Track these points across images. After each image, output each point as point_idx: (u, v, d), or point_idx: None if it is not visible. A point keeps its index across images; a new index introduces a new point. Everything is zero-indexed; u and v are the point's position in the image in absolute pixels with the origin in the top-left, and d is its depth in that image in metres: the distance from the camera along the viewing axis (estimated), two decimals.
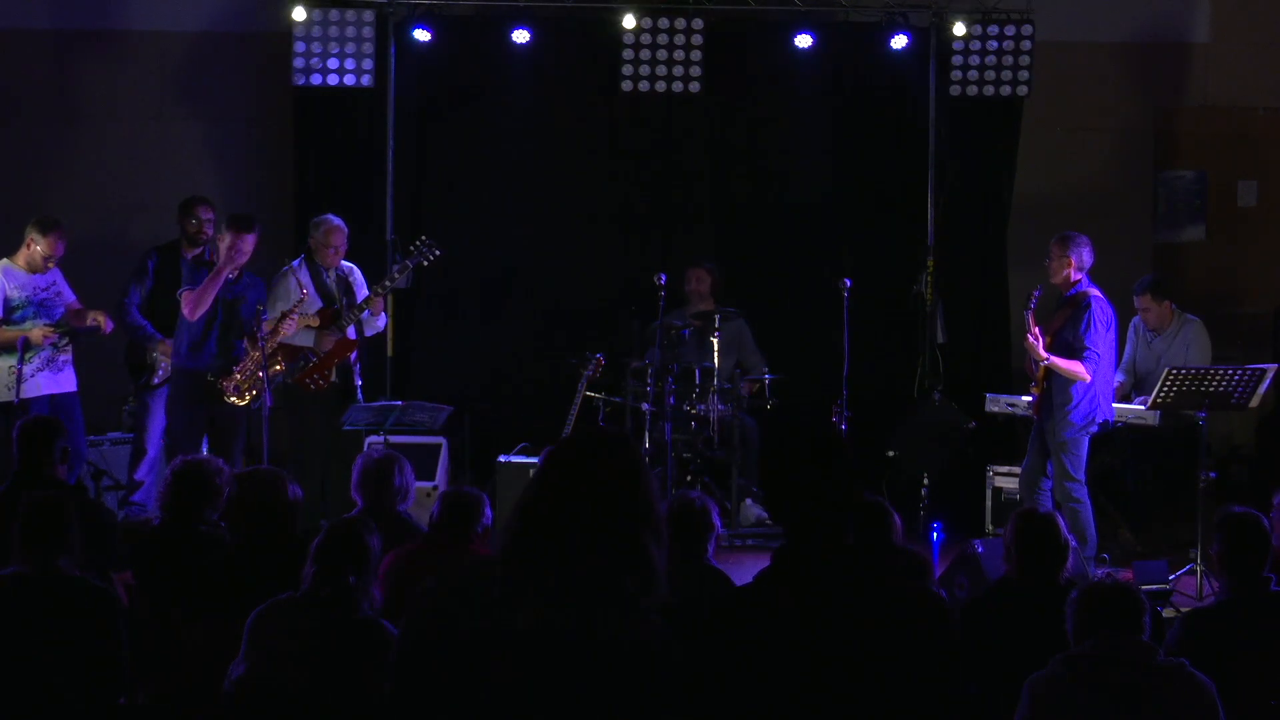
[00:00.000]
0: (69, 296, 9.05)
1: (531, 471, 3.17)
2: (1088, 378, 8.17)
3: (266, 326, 8.66)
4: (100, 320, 8.87)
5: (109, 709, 4.99)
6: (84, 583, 5.04)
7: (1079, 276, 8.29)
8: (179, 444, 8.44)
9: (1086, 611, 4.36)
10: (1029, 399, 8.65)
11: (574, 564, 2.90)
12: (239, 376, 8.60)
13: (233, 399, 8.58)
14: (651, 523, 2.98)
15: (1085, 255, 8.30)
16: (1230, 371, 8.44)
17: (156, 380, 9.24)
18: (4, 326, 8.71)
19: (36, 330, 8.73)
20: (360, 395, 9.08)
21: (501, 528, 3.07)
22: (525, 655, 2.86)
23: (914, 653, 3.16)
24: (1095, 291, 8.28)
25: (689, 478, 9.68)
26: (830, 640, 3.14)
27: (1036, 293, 8.37)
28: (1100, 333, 8.20)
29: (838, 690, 3.13)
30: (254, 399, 8.62)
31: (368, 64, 10.27)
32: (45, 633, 4.90)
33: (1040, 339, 8.23)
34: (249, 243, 8.67)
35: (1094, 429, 8.30)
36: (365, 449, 8.46)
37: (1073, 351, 8.20)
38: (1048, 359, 8.21)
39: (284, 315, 8.67)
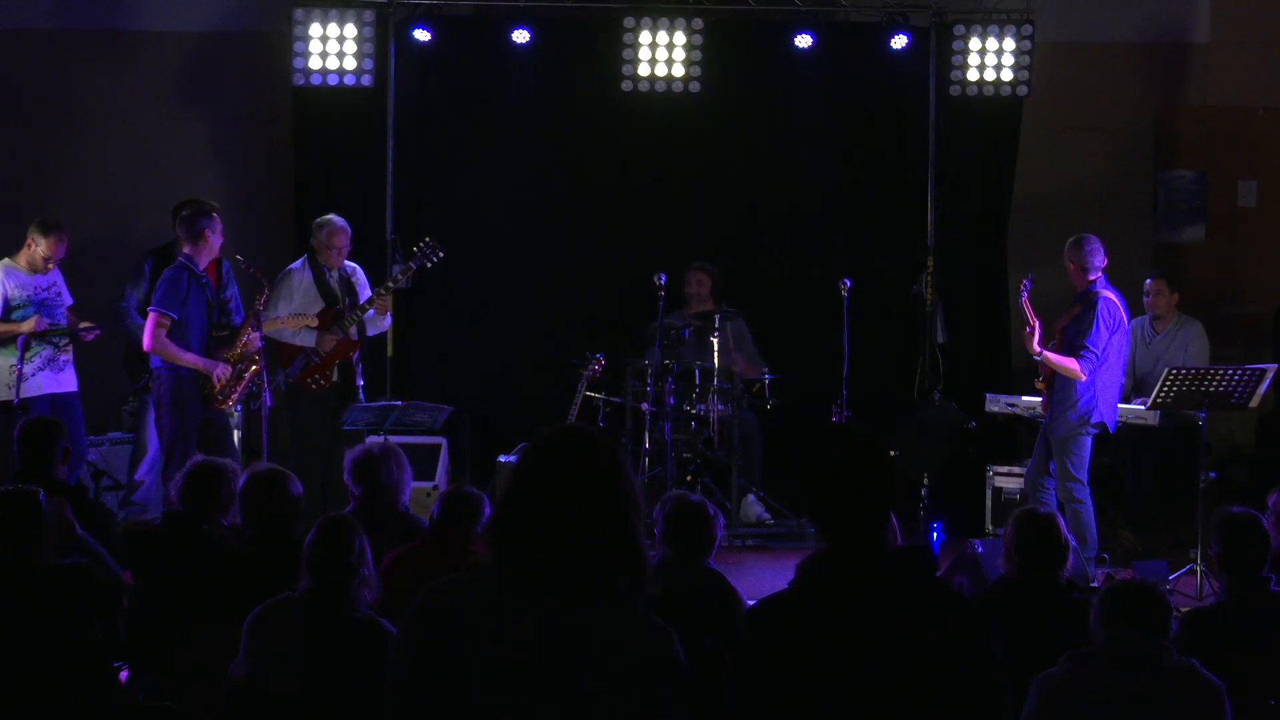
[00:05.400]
0: (68, 300, 9.05)
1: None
2: (1083, 376, 8.16)
3: (268, 326, 8.68)
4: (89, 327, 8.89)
5: (108, 708, 4.98)
6: (62, 569, 4.95)
7: (1093, 277, 8.27)
8: (176, 448, 8.33)
9: (1107, 608, 4.34)
10: (1038, 399, 8.66)
11: (563, 563, 2.89)
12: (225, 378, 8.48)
13: (220, 399, 8.46)
14: (636, 516, 2.96)
15: (1096, 258, 8.29)
16: (1230, 371, 8.43)
17: None
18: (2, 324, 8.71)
19: (28, 323, 8.69)
20: (362, 395, 9.07)
21: (486, 530, 3.06)
22: (521, 658, 2.86)
23: (956, 662, 3.07)
24: (1106, 293, 8.26)
25: (689, 478, 9.68)
26: (875, 649, 3.05)
27: (1027, 282, 8.40)
28: (1102, 334, 8.17)
29: (881, 701, 3.04)
30: (253, 399, 8.60)
31: (368, 64, 10.26)
32: (27, 628, 4.83)
33: (1037, 332, 8.23)
34: (216, 227, 8.51)
35: (1092, 429, 8.29)
36: None
37: (1074, 349, 8.20)
38: (1040, 353, 8.22)
39: (248, 317, 8.55)
